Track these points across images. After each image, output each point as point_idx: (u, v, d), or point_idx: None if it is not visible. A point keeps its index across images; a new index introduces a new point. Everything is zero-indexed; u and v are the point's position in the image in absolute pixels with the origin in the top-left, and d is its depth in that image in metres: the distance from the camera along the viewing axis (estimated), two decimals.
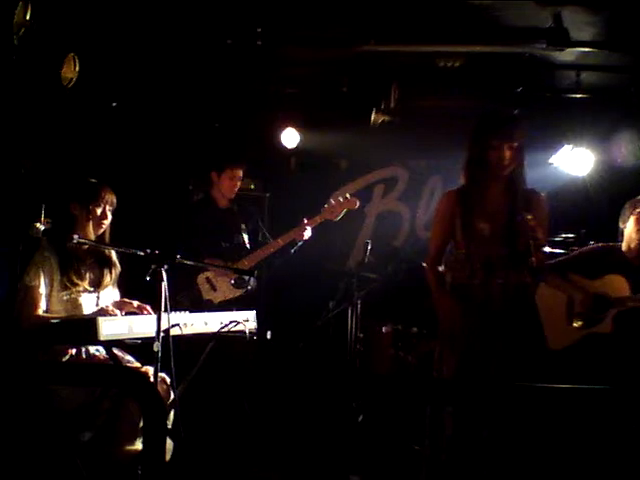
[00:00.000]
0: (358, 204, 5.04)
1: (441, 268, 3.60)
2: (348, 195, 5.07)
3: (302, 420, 5.14)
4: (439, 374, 3.48)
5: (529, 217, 3.28)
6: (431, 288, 3.55)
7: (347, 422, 4.74)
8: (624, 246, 4.22)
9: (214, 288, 4.83)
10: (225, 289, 4.84)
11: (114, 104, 5.22)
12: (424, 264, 3.63)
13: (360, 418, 4.87)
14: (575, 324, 4.15)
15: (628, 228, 4.20)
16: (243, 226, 5.03)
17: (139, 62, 5.01)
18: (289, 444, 4.86)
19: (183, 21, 4.63)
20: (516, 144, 3.39)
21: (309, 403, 5.30)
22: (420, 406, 3.61)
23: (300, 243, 4.92)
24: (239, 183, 5.04)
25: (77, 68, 4.37)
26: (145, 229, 4.95)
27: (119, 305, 3.63)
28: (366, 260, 4.98)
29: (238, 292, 4.85)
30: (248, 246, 4.98)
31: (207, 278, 4.82)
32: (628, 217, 4.21)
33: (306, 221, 4.90)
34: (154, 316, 3.19)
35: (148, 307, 3.56)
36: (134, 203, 4.21)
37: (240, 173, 5.01)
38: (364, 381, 4.98)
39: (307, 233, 4.89)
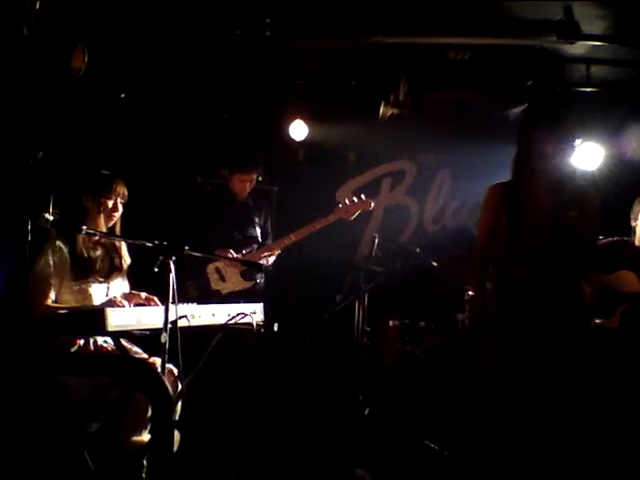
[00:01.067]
0: (373, 206, 5.06)
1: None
2: (363, 196, 5.06)
3: (308, 413, 5.15)
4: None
5: (575, 213, 3.27)
6: (471, 285, 3.52)
7: (353, 415, 4.73)
8: (637, 242, 4.20)
9: (223, 279, 4.83)
10: (234, 280, 4.84)
11: (122, 95, 5.21)
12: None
13: (366, 411, 4.87)
14: None
15: None
16: (256, 219, 5.04)
17: (148, 53, 5.00)
18: (295, 437, 4.86)
19: (192, 12, 4.62)
20: (562, 139, 3.37)
21: (315, 396, 5.30)
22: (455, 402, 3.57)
23: None
24: (250, 185, 5.01)
25: (86, 58, 4.36)
26: (154, 220, 4.95)
27: (127, 297, 3.64)
28: (373, 254, 4.97)
29: (247, 284, 4.85)
30: (260, 239, 4.98)
31: (217, 268, 4.83)
32: (638, 213, 4.19)
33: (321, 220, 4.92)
34: (162, 307, 3.19)
35: (156, 298, 3.57)
36: (142, 194, 4.19)
37: (252, 177, 4.98)
38: (371, 374, 4.98)
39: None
